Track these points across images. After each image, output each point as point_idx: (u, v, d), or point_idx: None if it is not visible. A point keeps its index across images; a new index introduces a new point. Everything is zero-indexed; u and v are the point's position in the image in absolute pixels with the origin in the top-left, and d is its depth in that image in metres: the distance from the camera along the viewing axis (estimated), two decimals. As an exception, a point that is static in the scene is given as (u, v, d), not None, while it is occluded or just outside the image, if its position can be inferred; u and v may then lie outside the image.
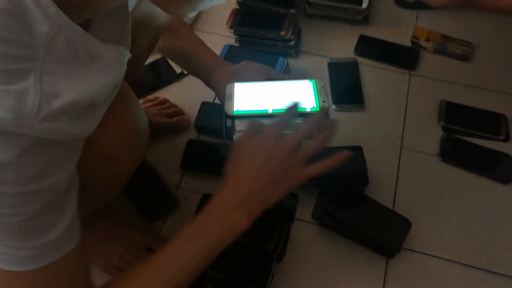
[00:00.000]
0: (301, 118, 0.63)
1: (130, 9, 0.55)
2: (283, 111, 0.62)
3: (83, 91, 0.39)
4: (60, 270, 0.45)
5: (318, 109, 0.65)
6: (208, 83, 0.76)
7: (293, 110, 0.60)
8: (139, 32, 0.68)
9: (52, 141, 0.38)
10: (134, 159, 0.57)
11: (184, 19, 0.86)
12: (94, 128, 0.44)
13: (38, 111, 0.35)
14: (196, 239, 0.54)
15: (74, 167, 0.44)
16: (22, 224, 0.40)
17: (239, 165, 0.57)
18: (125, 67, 0.46)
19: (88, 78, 0.40)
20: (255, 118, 0.63)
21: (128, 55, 0.48)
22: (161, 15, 0.69)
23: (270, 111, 0.64)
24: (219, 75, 0.73)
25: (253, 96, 0.68)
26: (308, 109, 0.65)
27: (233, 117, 0.65)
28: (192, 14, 0.45)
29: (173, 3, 0.43)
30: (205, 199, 0.84)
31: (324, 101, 0.66)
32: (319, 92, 0.67)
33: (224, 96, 0.68)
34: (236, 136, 0.64)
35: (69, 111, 0.38)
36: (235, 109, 0.65)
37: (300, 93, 0.69)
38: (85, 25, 0.45)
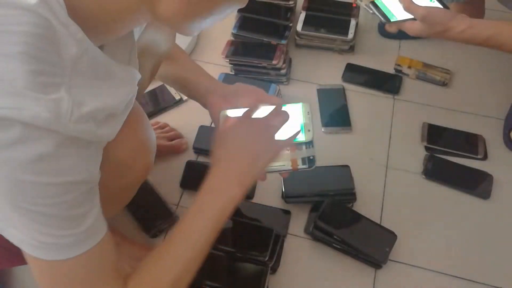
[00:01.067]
0: None
1: (136, 37, 0.63)
2: None
3: (104, 101, 0.47)
4: (95, 257, 0.51)
5: (304, 140, 0.71)
6: (204, 106, 0.82)
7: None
8: (143, 58, 0.75)
9: (83, 140, 0.45)
10: (144, 168, 0.63)
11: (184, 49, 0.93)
12: (115, 133, 0.51)
13: (71, 114, 0.42)
14: (202, 214, 0.61)
15: (99, 170, 0.50)
16: (62, 213, 0.45)
17: (225, 148, 0.65)
18: (136, 85, 0.54)
19: (107, 92, 0.48)
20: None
21: (138, 75, 0.56)
22: (163, 44, 0.76)
23: None
24: (212, 99, 0.78)
25: None
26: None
27: None
28: (196, 33, 0.52)
29: (178, 22, 0.50)
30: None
31: (309, 130, 0.72)
32: (305, 119, 0.73)
33: (218, 122, 0.74)
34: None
35: (94, 116, 0.45)
36: None
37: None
38: (99, 49, 0.52)
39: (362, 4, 0.97)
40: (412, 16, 0.89)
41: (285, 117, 0.69)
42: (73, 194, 0.45)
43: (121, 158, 0.57)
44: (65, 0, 0.42)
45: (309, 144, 0.71)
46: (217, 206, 0.62)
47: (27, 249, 0.48)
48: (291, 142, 0.69)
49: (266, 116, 0.69)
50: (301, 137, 0.71)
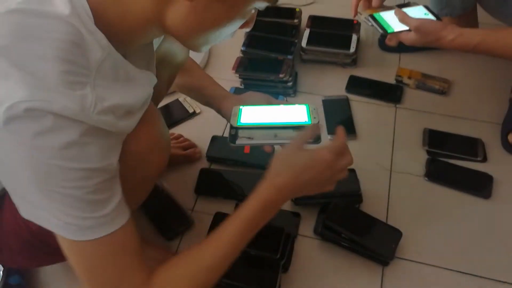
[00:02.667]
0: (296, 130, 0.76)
1: (155, 47, 0.70)
2: (279, 124, 0.76)
3: (122, 99, 0.54)
4: (118, 240, 0.56)
5: (310, 123, 0.76)
6: (219, 111, 0.89)
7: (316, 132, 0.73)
8: (161, 68, 0.83)
9: (104, 130, 0.51)
10: (159, 162, 0.68)
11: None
12: (133, 127, 0.58)
13: (94, 107, 0.49)
14: (251, 225, 0.66)
15: (118, 161, 0.56)
16: (86, 197, 0.51)
17: (292, 169, 0.67)
18: (152, 87, 0.61)
19: (126, 91, 0.55)
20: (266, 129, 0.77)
21: (154, 80, 0.63)
22: (179, 54, 0.83)
23: (268, 124, 0.77)
24: (227, 103, 0.86)
25: (255, 113, 0.81)
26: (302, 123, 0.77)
27: (237, 128, 0.77)
28: (205, 49, 0.58)
29: (189, 37, 0.57)
30: (217, 217, 0.95)
31: (315, 118, 0.78)
32: (311, 112, 0.80)
33: (230, 114, 0.80)
34: (238, 141, 0.75)
35: (114, 111, 0.52)
36: (238, 122, 0.78)
37: (296, 113, 0.80)
38: (122, 57, 0.60)
39: (362, 17, 1.04)
40: (407, 28, 0.96)
41: (349, 161, 0.72)
42: (95, 180, 0.51)
43: (137, 152, 0.62)
44: (93, 11, 0.50)
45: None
46: (265, 220, 0.68)
47: (55, 229, 0.54)
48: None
49: (338, 158, 0.70)
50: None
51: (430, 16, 1.01)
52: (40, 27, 0.47)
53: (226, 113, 0.85)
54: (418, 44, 0.96)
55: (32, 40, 0.47)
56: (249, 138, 0.76)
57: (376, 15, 1.01)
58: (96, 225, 0.53)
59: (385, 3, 1.03)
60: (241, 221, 0.65)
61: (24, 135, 0.46)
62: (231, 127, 0.77)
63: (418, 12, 1.02)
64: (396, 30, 0.98)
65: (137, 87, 0.58)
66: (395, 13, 0.98)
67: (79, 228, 0.53)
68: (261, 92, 0.88)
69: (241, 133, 0.77)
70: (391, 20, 0.99)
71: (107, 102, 0.51)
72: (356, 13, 1.05)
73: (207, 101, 0.92)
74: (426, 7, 1.04)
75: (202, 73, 0.96)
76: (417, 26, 0.93)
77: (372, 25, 1.01)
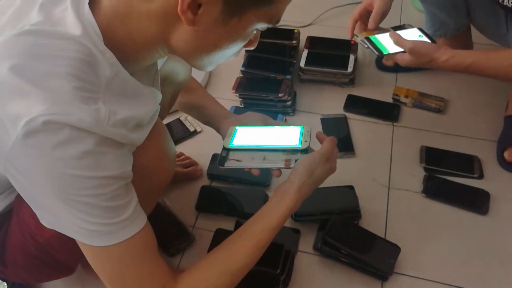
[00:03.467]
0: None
1: (159, 66, 0.73)
2: (269, 147, 0.79)
3: (132, 113, 0.57)
4: (138, 243, 0.58)
5: (299, 147, 0.79)
6: (218, 130, 0.92)
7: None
8: (164, 86, 0.85)
9: (117, 142, 0.54)
10: (165, 174, 0.71)
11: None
12: (143, 140, 0.60)
13: (108, 119, 0.52)
14: (271, 215, 0.72)
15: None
16: (104, 203, 0.53)
17: (309, 170, 0.75)
18: (158, 103, 0.64)
19: (134, 106, 0.58)
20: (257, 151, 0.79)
21: (160, 96, 0.66)
22: (181, 73, 0.86)
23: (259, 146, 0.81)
24: (226, 123, 0.89)
25: (248, 135, 0.84)
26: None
27: (228, 149, 0.81)
28: (210, 68, 0.61)
29: (194, 58, 0.60)
30: (218, 233, 0.97)
31: (306, 141, 0.80)
32: (304, 135, 0.82)
33: (225, 133, 0.84)
34: (227, 163, 0.79)
35: (125, 124, 0.55)
36: (230, 144, 0.81)
37: (288, 135, 0.83)
38: (131, 74, 0.62)
39: (358, 39, 1.08)
40: (402, 49, 0.99)
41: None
42: (112, 187, 0.54)
43: (145, 164, 0.65)
44: (102, 31, 0.53)
45: (304, 151, 0.79)
46: (285, 215, 0.73)
47: (76, 237, 0.56)
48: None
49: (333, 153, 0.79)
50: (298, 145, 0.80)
51: (425, 39, 1.04)
52: (52, 46, 0.50)
53: (224, 133, 0.88)
54: (413, 65, 0.99)
55: (45, 59, 0.50)
56: (238, 160, 0.79)
57: (372, 37, 1.05)
58: (116, 230, 0.56)
59: (380, 25, 1.07)
60: (270, 228, 0.70)
61: (43, 148, 0.49)
62: (223, 148, 0.81)
63: (413, 34, 1.06)
64: (391, 52, 1.01)
65: (144, 102, 0.61)
66: (390, 35, 1.02)
67: (99, 234, 0.55)
68: (260, 111, 0.91)
69: (231, 155, 0.80)
70: (386, 42, 1.03)
71: (118, 115, 0.53)
72: (352, 35, 1.09)
73: (207, 121, 0.95)
74: (421, 30, 1.08)
75: (203, 92, 0.99)
76: (411, 48, 0.97)
77: (368, 47, 1.04)
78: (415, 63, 0.99)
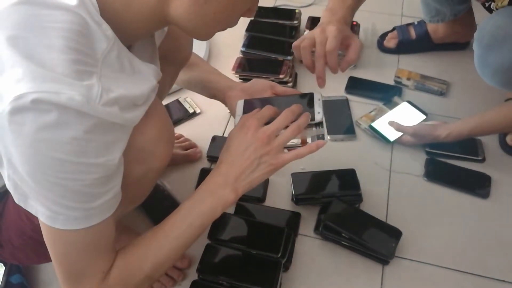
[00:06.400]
0: None
1: (158, 44, 0.71)
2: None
3: (128, 90, 0.54)
4: (98, 233, 0.57)
5: (314, 121, 0.73)
6: (223, 101, 0.89)
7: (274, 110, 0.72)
8: (165, 64, 0.83)
9: (110, 122, 0.51)
10: (164, 156, 0.68)
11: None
12: (138, 119, 0.58)
13: (100, 98, 0.49)
14: (192, 210, 0.67)
15: (121, 156, 0.56)
16: (79, 188, 0.52)
17: (228, 152, 0.69)
18: (156, 80, 0.62)
19: (131, 83, 0.56)
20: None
21: (159, 73, 0.64)
22: (183, 51, 0.84)
23: None
24: (231, 93, 0.86)
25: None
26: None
27: None
28: (209, 37, 0.59)
29: (194, 27, 0.58)
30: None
31: (319, 112, 0.74)
32: (316, 103, 0.76)
33: (235, 110, 0.79)
34: None
35: (119, 102, 0.52)
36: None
37: (300, 104, 0.75)
38: (128, 49, 0.60)
39: (362, 127, 1.15)
40: (400, 134, 1.09)
41: (295, 131, 0.69)
42: (93, 175, 0.52)
43: (142, 146, 0.63)
44: (98, 2, 0.51)
45: (319, 125, 0.74)
46: (207, 203, 0.67)
47: (42, 218, 0.55)
48: (296, 156, 0.69)
49: (277, 123, 0.69)
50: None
51: (415, 112, 1.16)
52: (47, 17, 0.48)
53: (231, 105, 0.84)
54: (416, 144, 1.09)
55: (39, 30, 0.47)
56: None
57: (374, 125, 1.13)
58: (83, 217, 0.54)
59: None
60: (195, 226, 0.67)
61: (27, 127, 0.47)
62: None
63: (405, 110, 1.16)
64: (396, 137, 1.10)
65: (142, 79, 0.58)
66: (390, 124, 1.10)
67: (66, 217, 0.54)
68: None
69: None
70: (387, 129, 1.12)
71: (112, 93, 0.51)
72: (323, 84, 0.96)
73: (212, 94, 0.92)
74: (409, 103, 1.18)
75: (206, 66, 0.96)
76: (413, 133, 1.07)
77: (373, 135, 1.13)
78: (418, 143, 1.08)
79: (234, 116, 0.79)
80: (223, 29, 0.61)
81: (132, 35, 0.58)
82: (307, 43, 0.87)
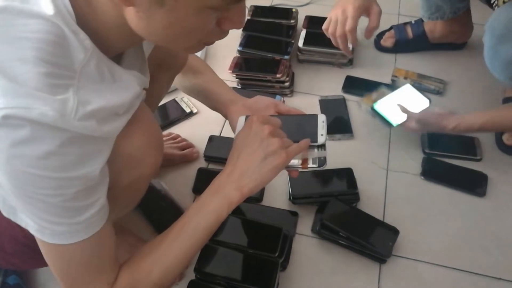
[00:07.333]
0: None
1: (149, 50, 0.69)
2: None
3: (108, 101, 0.52)
4: (94, 246, 0.56)
5: (316, 143, 0.72)
6: (225, 116, 0.87)
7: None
8: (160, 71, 0.82)
9: (87, 136, 0.49)
10: (153, 163, 0.67)
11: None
12: (119, 131, 0.56)
13: (76, 112, 0.47)
14: (198, 212, 0.65)
15: (105, 165, 0.54)
16: (61, 204, 0.50)
17: (233, 152, 0.67)
18: (141, 88, 0.60)
19: (111, 93, 0.53)
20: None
21: (146, 81, 0.62)
22: (179, 57, 0.83)
23: None
24: (234, 108, 0.84)
25: None
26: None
27: None
28: (189, 53, 0.56)
29: (156, 41, 0.56)
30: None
31: (322, 134, 0.73)
32: (319, 126, 0.74)
33: (235, 127, 0.76)
34: None
35: (97, 114, 0.50)
36: None
37: (303, 125, 0.75)
38: (119, 57, 0.59)
39: (362, 109, 1.12)
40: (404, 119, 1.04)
41: (298, 148, 0.67)
42: (73, 189, 0.50)
43: (130, 154, 0.62)
44: (75, 11, 0.49)
45: (321, 147, 0.73)
46: (211, 207, 0.64)
47: (31, 230, 0.54)
48: (301, 149, 0.68)
49: (278, 120, 0.69)
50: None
51: (418, 95, 1.12)
52: (22, 27, 0.46)
53: (232, 121, 0.82)
54: (421, 131, 1.06)
55: (13, 41, 0.46)
56: None
57: (375, 108, 1.09)
58: (69, 231, 0.53)
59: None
60: (204, 227, 0.64)
61: (1, 144, 0.45)
62: None
63: (408, 93, 1.13)
64: (399, 122, 1.05)
65: (124, 87, 0.56)
66: (397, 106, 1.06)
67: (52, 232, 0.53)
68: (258, 93, 0.85)
69: None
70: (390, 113, 1.07)
71: (90, 105, 0.49)
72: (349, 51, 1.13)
73: (214, 106, 0.89)
74: (412, 85, 1.15)
75: (210, 76, 0.92)
76: (419, 119, 1.02)
77: (374, 117, 1.09)
78: (423, 131, 1.05)
79: (234, 132, 0.77)
80: (196, 44, 0.54)
81: (114, 46, 0.55)
82: (333, 28, 1.05)
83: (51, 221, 0.52)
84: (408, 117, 1.04)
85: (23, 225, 0.54)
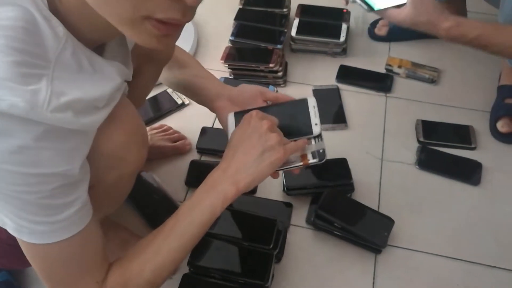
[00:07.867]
0: None
1: (133, 42, 0.66)
2: None
3: (86, 93, 0.49)
4: (79, 245, 0.54)
5: (311, 134, 0.69)
6: (212, 111, 0.84)
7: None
8: (147, 64, 0.79)
9: (63, 130, 0.47)
10: (137, 160, 0.64)
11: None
12: (99, 124, 0.53)
13: (48, 104, 0.44)
14: (193, 207, 0.63)
15: (85, 162, 0.53)
16: (38, 201, 0.48)
17: (229, 148, 0.65)
18: (122, 79, 0.57)
19: (90, 84, 0.50)
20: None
21: (128, 74, 0.59)
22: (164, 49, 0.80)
23: None
24: (220, 103, 0.81)
25: None
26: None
27: None
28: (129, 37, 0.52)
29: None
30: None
31: (316, 124, 0.70)
32: (312, 113, 0.71)
33: (226, 124, 0.75)
34: None
35: (73, 106, 0.47)
36: None
37: (295, 115, 0.72)
38: (101, 49, 0.56)
39: None
40: (395, 4, 0.91)
41: (296, 146, 0.66)
42: (52, 185, 0.48)
43: (112, 150, 0.59)
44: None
45: (317, 138, 0.70)
46: (206, 202, 0.62)
47: (9, 230, 0.51)
48: (298, 147, 0.66)
49: (275, 118, 0.67)
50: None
51: None
52: None
53: (221, 118, 0.79)
54: (408, 21, 0.89)
55: None
56: None
57: None
58: (49, 231, 0.51)
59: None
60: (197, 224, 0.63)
61: None
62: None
63: None
64: (381, 7, 0.92)
65: (104, 79, 0.53)
66: None
67: (30, 231, 0.50)
68: (251, 83, 0.83)
69: None
70: None
71: (65, 96, 0.46)
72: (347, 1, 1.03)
73: (201, 101, 0.87)
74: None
75: (196, 70, 0.89)
76: (412, 1, 0.88)
77: (354, 1, 0.96)
78: (411, 20, 0.88)
79: (225, 130, 0.75)
80: (138, 17, 0.45)
81: (89, 34, 0.52)
82: None
83: (29, 220, 0.50)
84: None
85: (1, 224, 0.52)
